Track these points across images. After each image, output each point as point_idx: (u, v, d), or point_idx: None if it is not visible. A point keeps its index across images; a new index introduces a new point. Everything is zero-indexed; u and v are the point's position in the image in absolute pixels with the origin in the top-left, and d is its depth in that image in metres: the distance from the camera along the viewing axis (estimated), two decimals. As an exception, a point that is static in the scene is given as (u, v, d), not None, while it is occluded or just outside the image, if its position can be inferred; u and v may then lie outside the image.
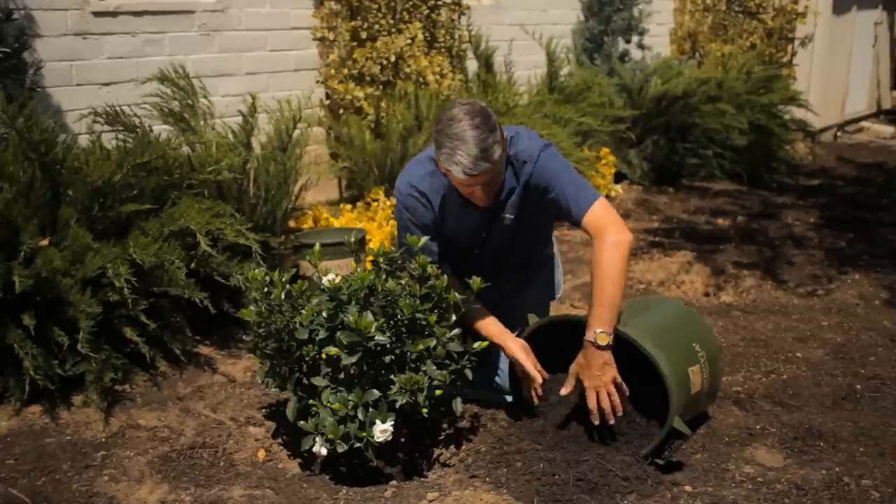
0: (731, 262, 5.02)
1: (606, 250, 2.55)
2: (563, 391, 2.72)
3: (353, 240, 2.82)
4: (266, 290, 2.70)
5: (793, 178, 7.38)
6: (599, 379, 2.60)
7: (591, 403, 2.64)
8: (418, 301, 2.63)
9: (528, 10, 6.97)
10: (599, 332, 2.54)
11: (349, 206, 4.98)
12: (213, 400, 3.18)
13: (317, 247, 2.74)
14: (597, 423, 2.66)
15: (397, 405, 2.57)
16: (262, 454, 2.84)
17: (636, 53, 7.47)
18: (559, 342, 3.02)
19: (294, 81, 5.34)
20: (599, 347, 2.56)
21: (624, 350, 2.85)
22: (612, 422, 2.64)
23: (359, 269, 2.67)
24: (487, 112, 2.57)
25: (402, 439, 2.80)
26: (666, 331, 2.85)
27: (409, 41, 5.50)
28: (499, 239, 2.90)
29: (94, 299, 3.03)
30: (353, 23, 5.34)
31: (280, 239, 4.02)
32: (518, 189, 2.78)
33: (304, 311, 2.61)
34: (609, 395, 2.61)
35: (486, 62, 6.02)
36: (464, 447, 2.87)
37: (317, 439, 2.57)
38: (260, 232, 3.68)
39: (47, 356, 3.01)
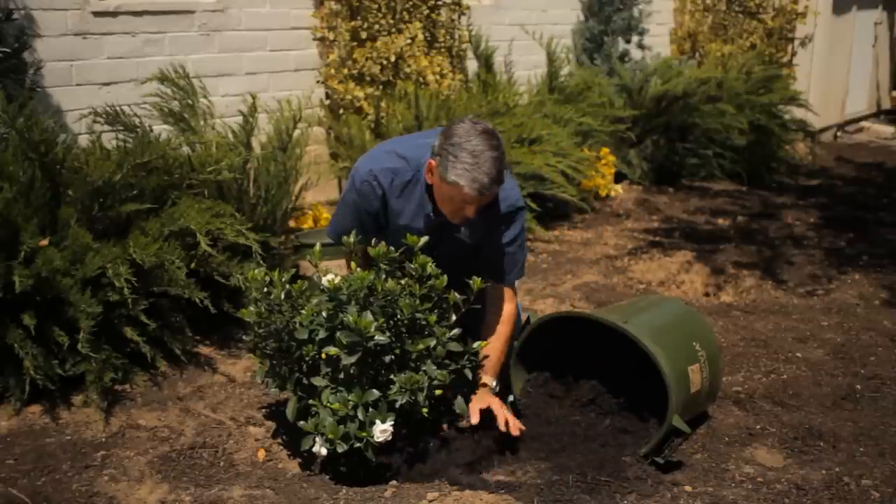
0: (730, 262, 5.02)
1: (508, 323, 2.91)
2: (473, 422, 2.79)
3: (352, 240, 2.82)
4: (266, 290, 2.70)
5: (793, 178, 7.38)
6: (502, 410, 2.82)
7: (502, 423, 2.78)
8: (418, 301, 2.63)
9: (528, 10, 6.97)
10: (494, 383, 2.90)
11: (349, 206, 4.98)
12: (213, 400, 3.18)
13: (317, 247, 2.74)
14: (516, 433, 2.78)
15: (397, 405, 2.57)
16: (262, 454, 2.84)
17: (636, 53, 7.47)
18: (563, 338, 3.02)
19: (294, 81, 5.34)
20: (494, 392, 2.89)
21: (624, 348, 2.86)
22: (516, 433, 2.78)
23: (357, 270, 2.67)
24: (498, 135, 2.65)
25: (402, 440, 2.81)
26: (666, 329, 2.85)
27: (409, 41, 5.50)
28: (448, 251, 2.88)
29: (94, 299, 3.03)
30: (353, 23, 5.34)
31: (280, 239, 4.02)
32: (482, 217, 2.79)
33: (303, 311, 2.61)
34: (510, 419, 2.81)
35: (486, 62, 6.02)
36: (464, 447, 2.87)
37: (317, 439, 2.57)
38: (260, 232, 3.68)
39: (47, 356, 3.01)
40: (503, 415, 2.77)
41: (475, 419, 2.76)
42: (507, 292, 2.92)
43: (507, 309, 2.91)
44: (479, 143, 2.55)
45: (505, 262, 2.88)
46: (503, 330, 2.90)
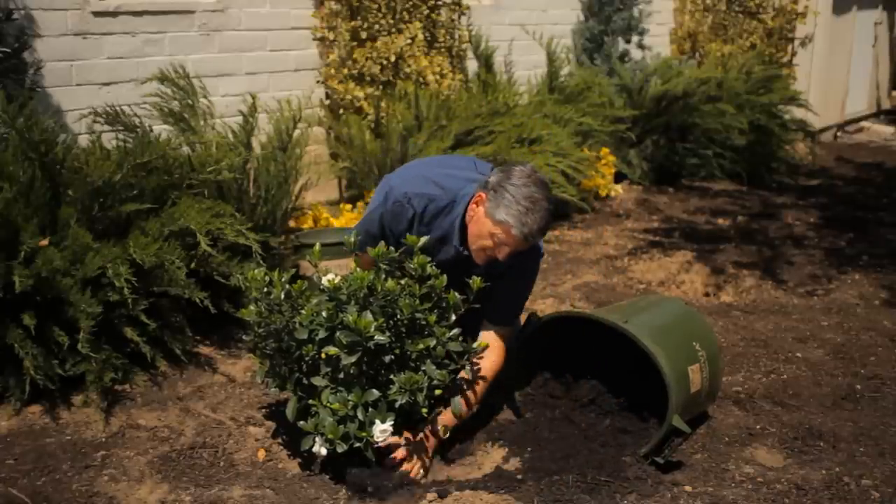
0: (730, 262, 5.02)
1: (492, 370, 2.82)
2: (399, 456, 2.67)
3: (353, 240, 2.82)
4: (266, 289, 2.70)
5: (793, 178, 7.38)
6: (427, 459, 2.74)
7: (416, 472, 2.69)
8: (418, 301, 2.63)
9: (528, 10, 6.97)
10: (447, 430, 2.76)
11: (349, 206, 4.98)
12: (213, 400, 3.18)
13: (317, 247, 2.74)
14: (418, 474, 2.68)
15: (397, 405, 2.57)
16: (262, 454, 2.84)
17: (636, 53, 7.47)
18: (563, 338, 3.03)
19: (294, 81, 5.34)
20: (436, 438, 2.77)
21: (624, 348, 2.86)
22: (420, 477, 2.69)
23: (358, 269, 2.67)
24: (551, 190, 2.66)
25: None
26: (666, 329, 2.85)
27: (409, 41, 5.50)
28: (457, 279, 2.81)
29: (94, 299, 3.03)
30: (353, 23, 5.34)
31: (280, 239, 4.02)
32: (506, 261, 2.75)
33: (303, 311, 2.61)
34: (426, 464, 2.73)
35: (486, 62, 6.02)
36: (464, 447, 2.87)
37: (317, 439, 2.57)
38: (260, 232, 3.68)
39: (47, 356, 3.01)
40: (417, 460, 2.68)
41: (400, 454, 2.65)
42: (503, 329, 2.86)
43: (503, 347, 2.85)
44: (537, 192, 2.56)
45: (513, 305, 2.89)
46: (498, 368, 2.84)
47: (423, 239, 2.73)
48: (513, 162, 2.71)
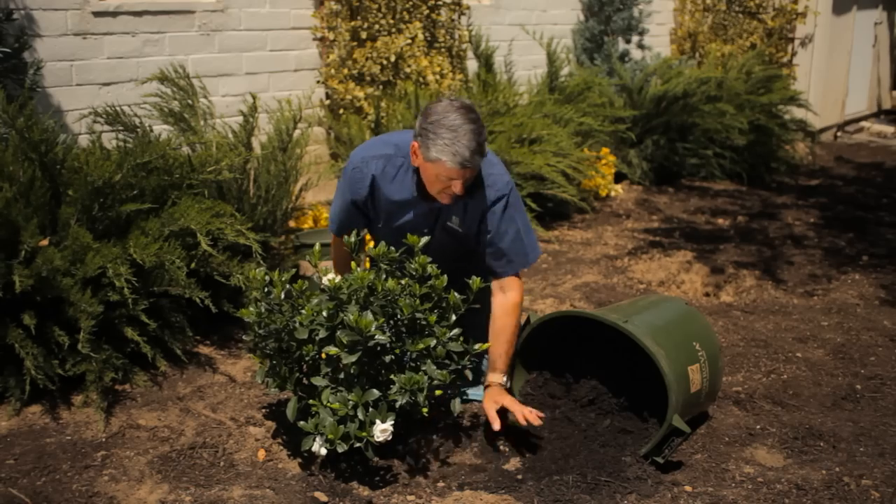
0: (730, 262, 5.03)
1: (512, 314, 2.87)
2: (496, 428, 2.74)
3: (353, 240, 2.82)
4: (266, 289, 2.70)
5: (793, 178, 7.39)
6: (515, 405, 2.79)
7: (522, 419, 2.75)
8: (418, 301, 2.63)
9: (528, 10, 6.97)
10: (505, 378, 2.88)
11: (349, 206, 4.98)
12: (213, 400, 3.18)
13: (317, 247, 2.74)
14: (538, 422, 2.74)
15: (397, 405, 2.57)
16: (262, 454, 2.84)
17: (636, 53, 7.48)
18: (563, 338, 3.02)
19: (294, 81, 5.35)
20: (505, 388, 2.89)
21: (624, 348, 2.86)
22: (538, 422, 2.75)
23: (358, 269, 2.67)
24: (476, 109, 2.68)
25: (402, 443, 2.81)
26: (666, 329, 2.85)
27: (409, 41, 5.50)
28: (441, 243, 2.91)
29: (94, 299, 3.03)
30: (353, 23, 5.34)
31: (280, 239, 4.02)
32: (471, 202, 2.82)
33: (304, 311, 2.61)
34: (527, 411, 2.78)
35: (486, 62, 6.03)
36: (464, 447, 2.87)
37: (317, 439, 2.57)
38: (260, 232, 3.68)
39: (47, 356, 3.01)
40: (519, 410, 2.73)
41: (497, 425, 2.72)
42: (508, 283, 2.87)
43: (511, 299, 2.86)
44: (457, 117, 2.60)
45: (503, 252, 2.86)
46: (507, 322, 2.85)
47: (424, 239, 2.74)
48: (435, 98, 2.75)
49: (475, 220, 2.85)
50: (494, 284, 2.89)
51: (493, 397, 2.81)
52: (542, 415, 2.74)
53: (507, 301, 2.86)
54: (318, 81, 5.45)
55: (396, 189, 2.85)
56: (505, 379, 2.87)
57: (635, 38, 7.40)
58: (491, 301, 2.89)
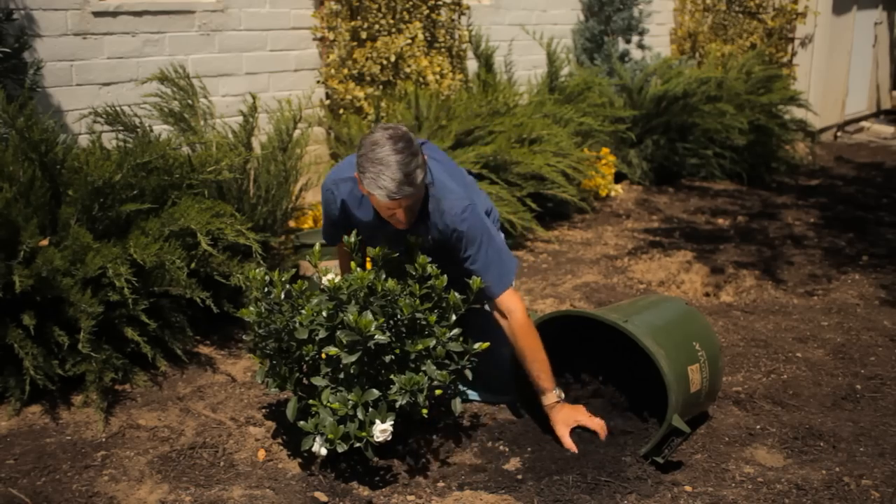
0: (730, 262, 5.03)
1: (522, 332, 2.80)
2: (574, 450, 2.78)
3: (352, 240, 2.82)
4: (266, 289, 2.70)
5: (793, 178, 7.38)
6: (588, 417, 2.85)
7: (602, 432, 2.82)
8: (418, 301, 2.63)
9: (528, 10, 6.97)
10: (556, 392, 2.84)
11: (349, 206, 4.98)
12: (213, 400, 3.18)
13: (317, 247, 2.75)
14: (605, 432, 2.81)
15: (397, 405, 2.57)
16: (262, 454, 2.84)
17: (636, 53, 7.48)
18: (563, 338, 3.02)
19: (294, 81, 5.35)
20: (563, 400, 2.86)
21: (624, 348, 2.86)
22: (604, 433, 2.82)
23: (358, 269, 2.67)
24: (409, 137, 2.63)
25: (402, 443, 2.81)
26: (666, 329, 2.85)
27: (409, 41, 5.50)
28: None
29: (94, 299, 3.03)
30: (353, 23, 5.34)
31: (280, 239, 4.02)
32: (432, 225, 2.80)
33: (303, 311, 2.61)
34: (594, 420, 2.84)
35: (486, 62, 6.02)
36: (464, 447, 2.87)
37: (317, 439, 2.57)
38: (260, 232, 3.68)
39: (47, 356, 3.01)
40: (595, 424, 2.80)
41: (574, 448, 2.76)
42: (503, 304, 2.78)
43: (514, 321, 2.78)
44: (384, 149, 2.57)
45: (479, 274, 2.75)
46: (524, 344, 2.79)
47: (423, 239, 2.74)
48: (372, 128, 2.74)
49: (442, 241, 2.81)
50: (494, 311, 2.83)
51: (565, 419, 2.81)
52: (604, 425, 2.82)
53: (512, 325, 2.79)
54: (318, 81, 5.45)
55: (364, 212, 2.87)
56: (557, 391, 2.83)
57: (635, 38, 7.40)
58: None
